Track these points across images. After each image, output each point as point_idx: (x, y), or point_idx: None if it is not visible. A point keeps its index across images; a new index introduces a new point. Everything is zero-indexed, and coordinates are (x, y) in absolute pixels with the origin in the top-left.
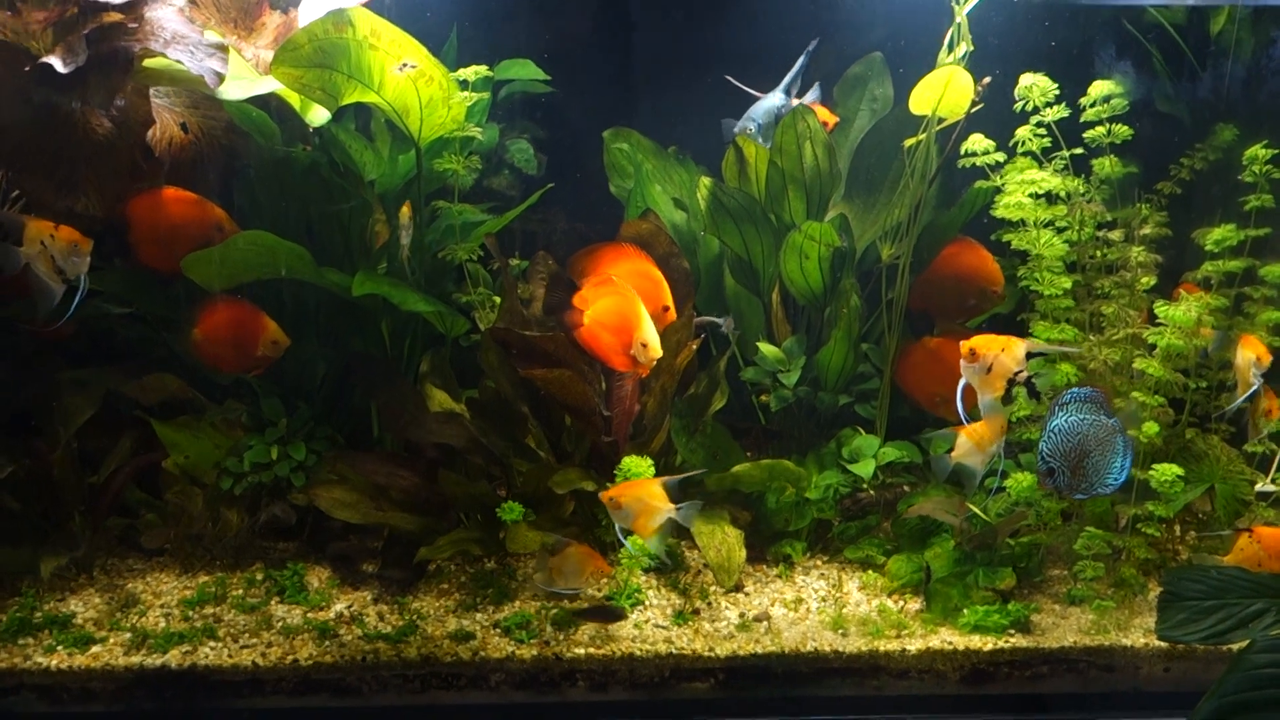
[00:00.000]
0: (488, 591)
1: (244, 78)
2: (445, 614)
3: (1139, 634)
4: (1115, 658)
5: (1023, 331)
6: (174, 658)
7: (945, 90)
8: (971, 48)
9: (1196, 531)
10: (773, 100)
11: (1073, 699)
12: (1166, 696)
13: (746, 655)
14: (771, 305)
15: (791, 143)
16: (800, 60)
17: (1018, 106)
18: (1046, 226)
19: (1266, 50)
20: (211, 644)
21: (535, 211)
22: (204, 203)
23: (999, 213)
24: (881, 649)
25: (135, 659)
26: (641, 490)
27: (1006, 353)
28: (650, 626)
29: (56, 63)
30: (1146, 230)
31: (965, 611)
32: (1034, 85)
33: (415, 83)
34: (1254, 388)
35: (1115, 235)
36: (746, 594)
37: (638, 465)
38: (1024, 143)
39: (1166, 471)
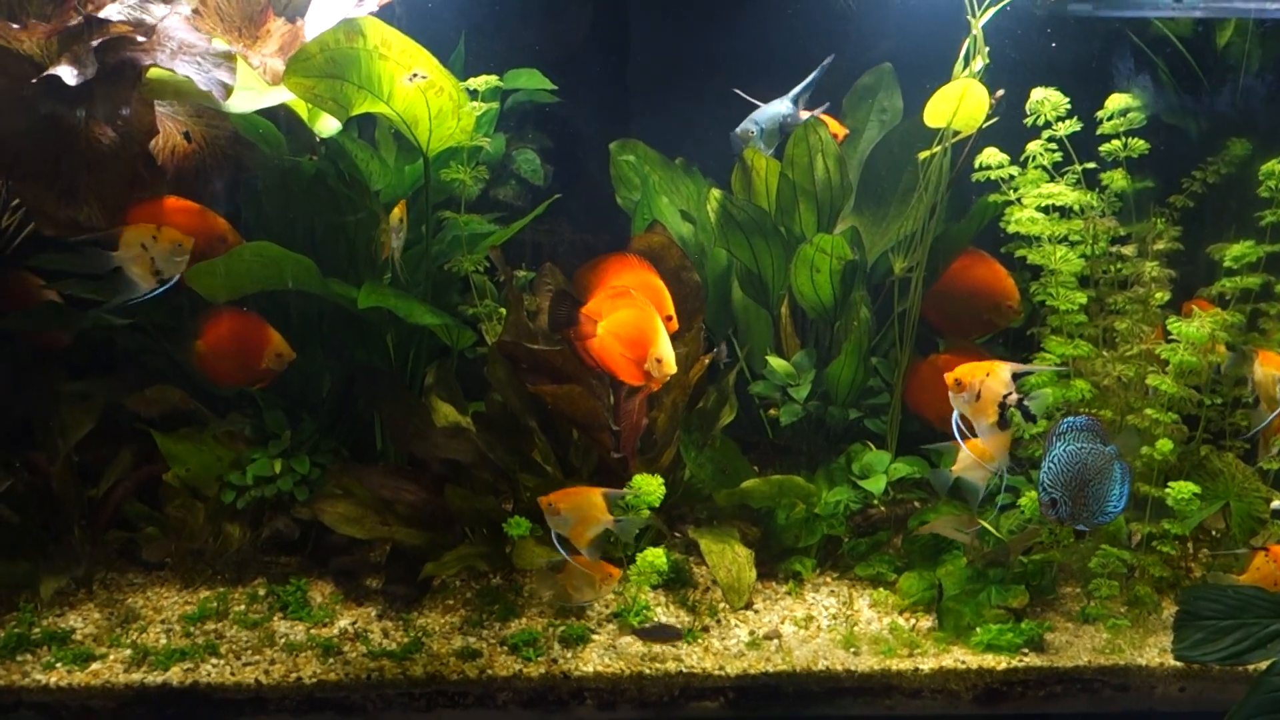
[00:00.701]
0: (494, 608)
1: (252, 88)
2: (451, 631)
3: (1154, 653)
4: (1130, 677)
5: (1034, 347)
6: (175, 675)
7: (961, 103)
8: (987, 61)
9: (1209, 549)
10: (778, 107)
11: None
12: (1182, 717)
13: (757, 674)
14: (780, 318)
15: (803, 155)
16: (814, 74)
17: (1029, 120)
18: (1061, 242)
19: (1275, 63)
20: (214, 661)
21: (542, 222)
22: (206, 213)
23: (1014, 228)
24: (894, 668)
25: (136, 676)
26: (581, 499)
27: (992, 377)
28: (659, 645)
29: (65, 74)
30: (1160, 245)
31: (978, 630)
32: (1045, 99)
33: (425, 93)
34: None
35: (1129, 250)
36: (756, 611)
37: (648, 483)
38: (1035, 157)
39: (1183, 489)
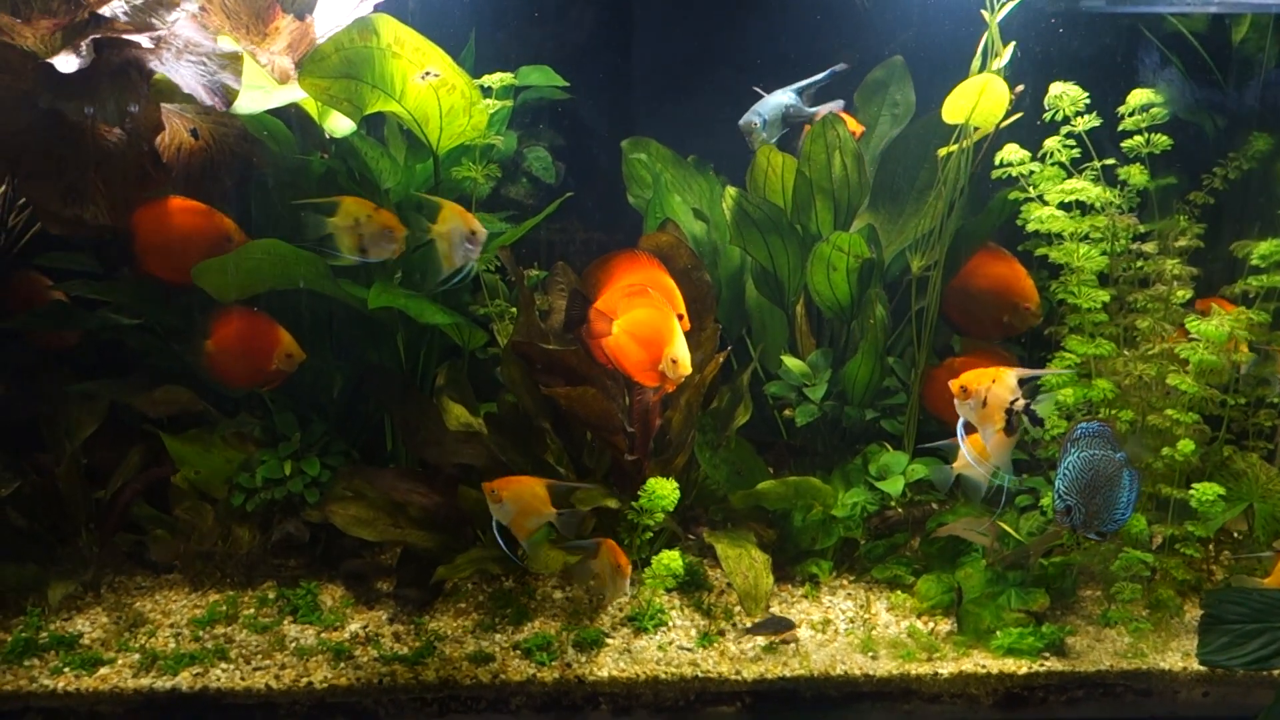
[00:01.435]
0: (507, 611)
1: (260, 87)
2: (463, 635)
3: (1176, 657)
4: (1153, 682)
5: (1052, 347)
6: (185, 680)
7: (980, 99)
8: (1006, 58)
9: (1231, 552)
10: (781, 98)
11: None
12: None
13: (774, 678)
14: (796, 318)
15: (820, 152)
16: (822, 75)
17: (1047, 116)
18: (1083, 239)
19: None
20: (223, 665)
21: (553, 221)
22: (212, 213)
23: (1034, 225)
24: (913, 672)
25: (145, 681)
26: (524, 489)
27: (998, 384)
28: (675, 648)
29: (61, 63)
30: (1181, 242)
31: (998, 634)
32: (1063, 94)
33: (437, 91)
34: None
35: (1150, 247)
36: (772, 614)
37: (662, 487)
38: (1053, 154)
39: (1207, 490)
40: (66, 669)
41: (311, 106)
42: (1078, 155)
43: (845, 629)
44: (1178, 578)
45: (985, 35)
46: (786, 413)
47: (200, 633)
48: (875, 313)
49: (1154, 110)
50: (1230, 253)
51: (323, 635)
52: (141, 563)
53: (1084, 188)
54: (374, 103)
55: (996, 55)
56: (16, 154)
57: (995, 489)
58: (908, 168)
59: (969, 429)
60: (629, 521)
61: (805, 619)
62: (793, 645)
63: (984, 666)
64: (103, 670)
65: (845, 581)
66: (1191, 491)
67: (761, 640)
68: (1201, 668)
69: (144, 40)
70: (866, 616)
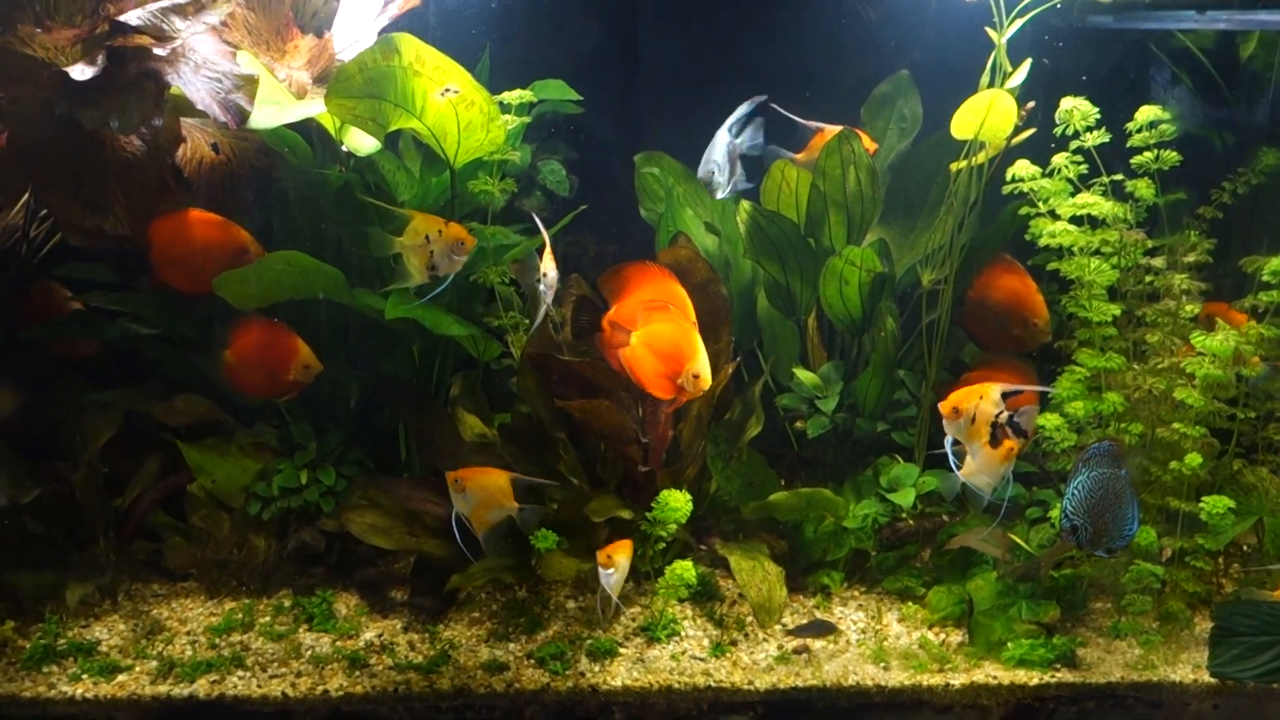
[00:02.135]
0: (520, 620)
1: (277, 103)
2: (477, 643)
3: (1187, 669)
4: (1164, 694)
5: (1062, 360)
6: (202, 687)
7: (988, 114)
8: (1020, 75)
9: (1240, 565)
10: (722, 142)
11: None
12: None
13: (786, 689)
14: (808, 330)
15: (835, 167)
16: (745, 106)
17: (1058, 130)
18: (1094, 254)
19: None
20: (240, 673)
21: (566, 234)
22: (229, 225)
23: (1046, 240)
24: (924, 683)
25: (162, 688)
26: (488, 480)
27: (985, 400)
28: (687, 658)
29: (74, 71)
30: (1190, 258)
31: (1009, 645)
32: (1075, 109)
33: (455, 107)
34: None
35: (1158, 262)
36: (784, 625)
37: (675, 499)
38: (1061, 170)
39: (1218, 503)
40: (85, 676)
41: (328, 121)
42: (1086, 171)
43: (857, 640)
44: (1188, 590)
45: (994, 52)
46: (798, 425)
47: (217, 640)
48: (886, 326)
49: (1163, 127)
50: (1239, 268)
51: (338, 643)
52: (158, 570)
53: (1096, 202)
54: (396, 120)
55: (1004, 71)
56: (38, 164)
57: (1000, 498)
58: (920, 182)
59: (958, 446)
60: (642, 533)
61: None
62: (805, 655)
63: (995, 678)
64: (120, 677)
65: (856, 592)
66: (1201, 505)
67: (774, 650)
68: (1212, 680)
69: (160, 50)
70: (878, 627)
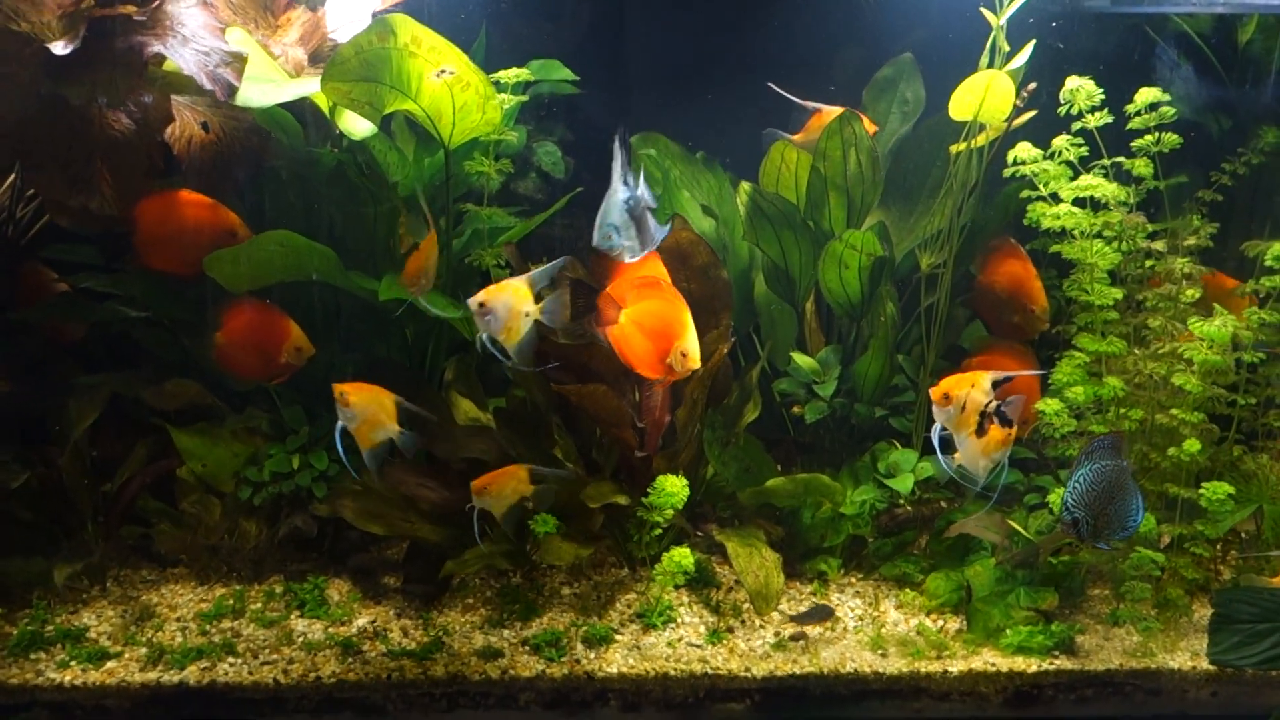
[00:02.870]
0: (515, 607)
1: (271, 80)
2: (472, 630)
3: (1185, 656)
4: (1162, 681)
5: (1060, 345)
6: (192, 674)
7: (985, 95)
8: (1023, 57)
9: (1239, 551)
10: (618, 197)
11: None
12: None
13: (783, 676)
14: (805, 314)
15: (836, 149)
16: (618, 151)
17: (1062, 110)
18: (1097, 237)
19: None
20: (231, 660)
21: (562, 216)
22: (217, 207)
23: (1049, 222)
24: (922, 670)
25: (152, 675)
26: (373, 398)
27: (976, 388)
28: (684, 645)
29: (55, 46)
30: (1190, 242)
31: (1008, 632)
32: (1080, 89)
33: (451, 88)
34: None
35: (1159, 245)
36: (781, 612)
37: (672, 484)
38: (1061, 152)
39: (1218, 489)
40: (73, 662)
41: (321, 100)
42: (1086, 154)
43: (854, 626)
44: (1187, 577)
45: (992, 34)
46: (795, 410)
47: (207, 627)
48: (886, 310)
49: (1163, 109)
50: (1240, 252)
51: (330, 630)
52: (148, 556)
53: (1099, 184)
54: (391, 103)
55: (1002, 52)
56: (23, 142)
57: (994, 484)
58: (920, 165)
59: (944, 433)
60: (638, 518)
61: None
62: (802, 643)
63: (993, 665)
64: (110, 664)
65: (854, 579)
66: (1201, 491)
67: (770, 636)
68: (1210, 667)
69: (142, 18)
70: (875, 614)
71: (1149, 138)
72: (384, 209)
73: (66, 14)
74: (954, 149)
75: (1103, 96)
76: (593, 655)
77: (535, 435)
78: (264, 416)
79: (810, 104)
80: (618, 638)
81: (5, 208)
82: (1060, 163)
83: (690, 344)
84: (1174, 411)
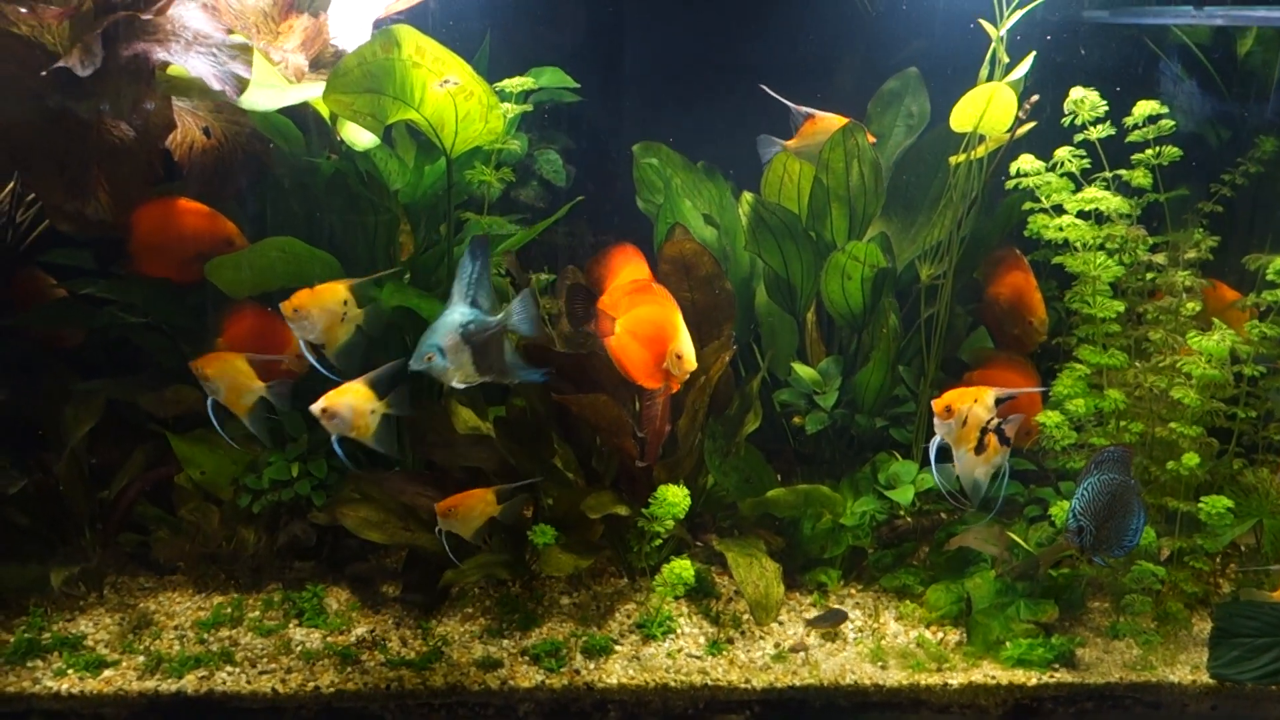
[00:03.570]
0: (514, 617)
1: (273, 86)
2: (471, 640)
3: (1185, 670)
4: (1162, 694)
5: (1061, 357)
6: (190, 683)
7: (987, 108)
8: (1024, 68)
9: (1238, 565)
10: (453, 316)
11: None
12: None
13: (783, 687)
14: (806, 325)
15: (839, 160)
16: (468, 263)
17: (1065, 120)
18: (1100, 249)
19: None
20: (229, 669)
21: (563, 224)
22: (215, 216)
23: (1052, 234)
24: (922, 682)
25: (150, 684)
26: (228, 364)
27: (979, 404)
28: (684, 656)
29: (76, 66)
30: (1190, 255)
31: (1008, 644)
32: (1084, 99)
33: (454, 98)
34: None
35: (1160, 258)
36: (781, 623)
37: (673, 494)
38: (1063, 163)
39: (1217, 503)
40: (70, 670)
41: (323, 107)
42: (1088, 165)
43: (854, 638)
44: (1186, 591)
45: (992, 46)
46: (796, 420)
47: (205, 635)
48: (888, 321)
49: (1163, 122)
50: (1241, 265)
51: (329, 639)
52: (146, 563)
53: (1104, 197)
54: (395, 113)
55: (1002, 64)
56: (22, 147)
57: (994, 496)
58: (922, 176)
59: (943, 445)
60: (639, 529)
61: (815, 628)
62: (802, 654)
63: (993, 677)
64: (107, 672)
65: (854, 590)
66: (1200, 505)
67: (771, 648)
68: (1210, 680)
69: (151, 28)
70: (875, 626)
71: (1150, 151)
72: (384, 217)
73: (71, 18)
74: (953, 160)
75: (1107, 108)
76: (592, 666)
77: (535, 445)
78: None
79: (804, 109)
80: (617, 648)
81: (5, 213)
82: (1062, 174)
83: (684, 345)
84: (1172, 425)
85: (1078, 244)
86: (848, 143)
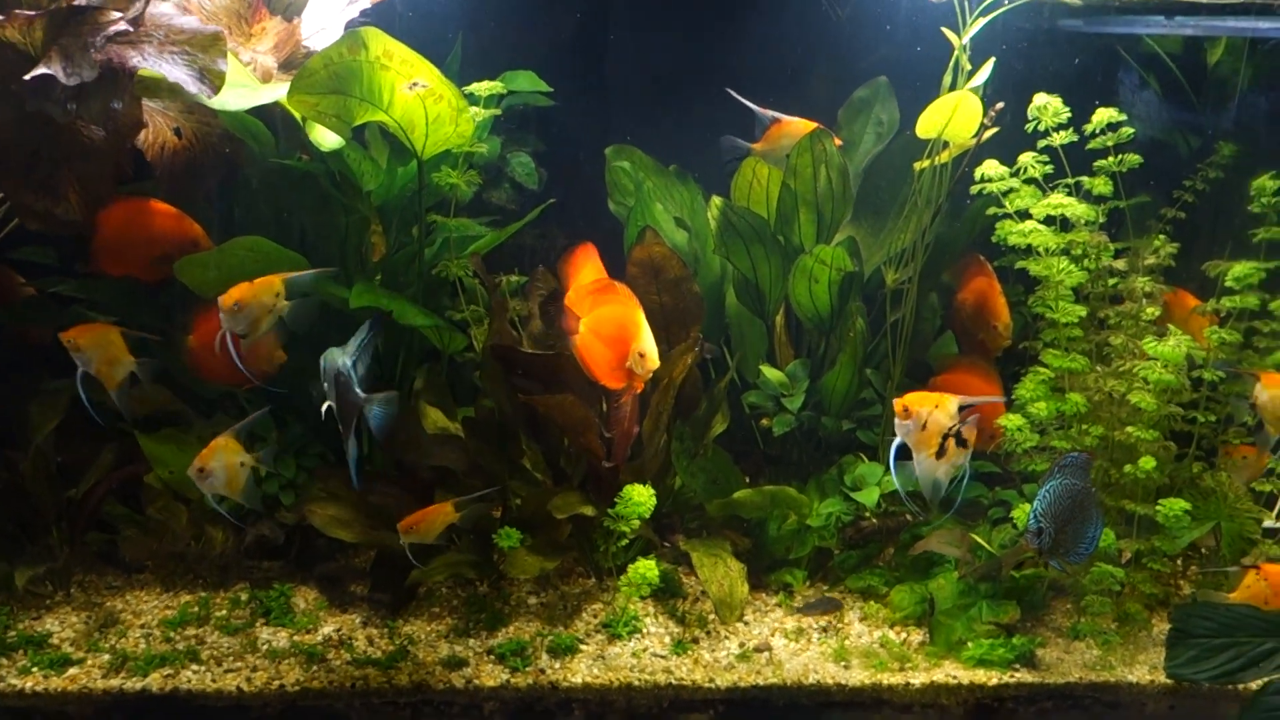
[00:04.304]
0: (481, 616)
1: (244, 85)
2: (437, 639)
3: (1144, 670)
4: (1121, 694)
5: (1026, 361)
6: (155, 681)
7: (953, 115)
8: (983, 75)
9: (1199, 567)
10: (338, 358)
11: None
12: None
13: (747, 687)
14: (775, 328)
15: (807, 166)
16: (365, 330)
17: (1029, 127)
18: (1064, 254)
19: (1266, 82)
20: (194, 667)
21: (534, 227)
22: (182, 217)
23: (1016, 239)
24: (885, 682)
25: (114, 682)
26: (101, 335)
27: (940, 409)
28: (649, 655)
29: (58, 74)
30: (1150, 260)
31: (970, 645)
32: (1046, 106)
33: (424, 100)
34: None
35: (1120, 264)
36: (746, 623)
37: (639, 494)
38: (1026, 169)
39: (1173, 506)
40: (35, 669)
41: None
42: (1051, 171)
43: (818, 638)
44: (1146, 592)
45: (954, 54)
46: (764, 422)
47: (172, 634)
48: (855, 325)
49: (1123, 130)
50: (1202, 271)
51: (295, 638)
52: (113, 562)
53: (1069, 203)
54: (361, 115)
55: (964, 72)
56: None
57: (953, 496)
58: (891, 182)
59: (900, 446)
60: (605, 529)
61: (779, 628)
62: (766, 654)
63: (955, 677)
64: (72, 670)
65: (819, 591)
66: (1158, 507)
67: (735, 648)
68: (1168, 680)
69: (126, 37)
70: (840, 626)
71: (1111, 159)
72: (355, 218)
73: (42, 19)
74: (917, 166)
75: (1069, 114)
76: (557, 665)
77: (503, 445)
78: (232, 423)
79: (770, 113)
80: (583, 648)
81: None
82: (1025, 180)
83: (646, 344)
84: (1129, 429)
85: (1041, 249)
86: (815, 148)
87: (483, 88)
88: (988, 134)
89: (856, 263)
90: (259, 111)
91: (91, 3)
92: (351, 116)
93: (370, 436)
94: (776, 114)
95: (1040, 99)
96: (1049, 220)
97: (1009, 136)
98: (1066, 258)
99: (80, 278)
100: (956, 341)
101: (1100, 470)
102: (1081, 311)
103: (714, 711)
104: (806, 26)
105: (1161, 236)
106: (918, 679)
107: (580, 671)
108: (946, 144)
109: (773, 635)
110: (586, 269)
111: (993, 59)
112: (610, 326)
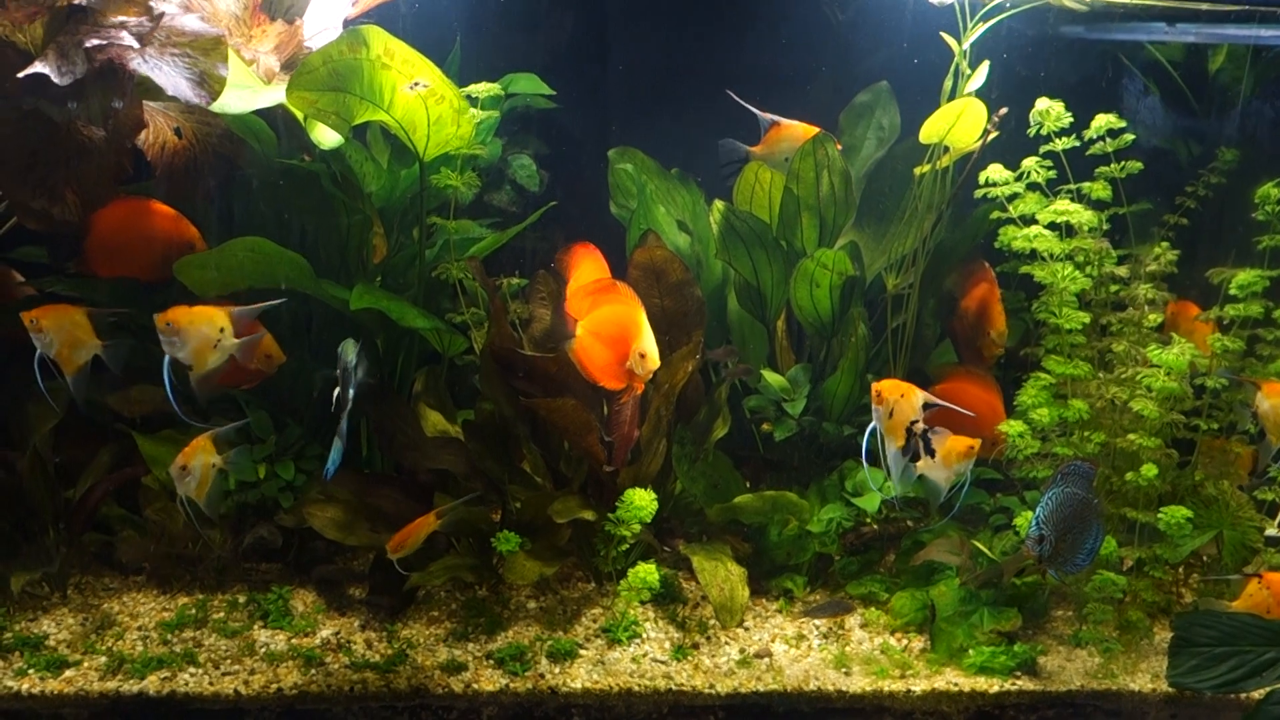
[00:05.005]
0: (480, 620)
1: (247, 87)
2: (436, 643)
3: (1146, 678)
4: (1123, 703)
5: (1028, 366)
6: (152, 684)
7: (957, 121)
8: (979, 79)
9: (1200, 575)
10: (350, 356)
11: None
12: None
13: (748, 693)
14: (776, 333)
15: (809, 170)
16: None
17: (1031, 131)
18: (1068, 259)
19: (1267, 89)
20: (191, 670)
21: (535, 229)
22: (179, 219)
23: (1021, 244)
24: (886, 689)
25: (111, 684)
26: (65, 316)
27: (905, 399)
28: (648, 661)
29: (52, 73)
30: (1152, 267)
31: (971, 652)
32: (1048, 110)
33: (425, 101)
34: None
35: (1123, 271)
36: (746, 629)
37: (640, 498)
38: (1030, 174)
39: (1175, 514)
40: (31, 670)
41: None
42: (1054, 176)
43: (819, 645)
44: (1147, 600)
45: (955, 59)
46: (765, 427)
47: (169, 636)
48: (857, 330)
49: (1124, 136)
50: (1206, 278)
51: (293, 641)
52: (110, 564)
53: (1075, 209)
54: (362, 114)
55: (966, 77)
56: None
57: (956, 495)
58: (894, 187)
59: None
60: (605, 533)
61: (779, 634)
62: (766, 660)
63: (956, 685)
64: (68, 672)
65: (820, 597)
66: (1160, 515)
67: (735, 653)
68: (1170, 689)
69: (128, 37)
70: (840, 632)
71: (1114, 165)
72: (357, 219)
73: (42, 17)
74: (917, 171)
75: (1071, 119)
76: (557, 670)
77: (503, 448)
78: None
79: (770, 116)
80: (582, 653)
81: None
82: (1028, 185)
83: (647, 344)
84: (1131, 436)
85: (1045, 255)
86: (818, 153)
87: (482, 89)
88: (988, 138)
89: (858, 268)
90: (262, 110)
91: (93, 3)
92: (351, 115)
93: (371, 440)
94: (776, 117)
95: (1042, 103)
96: (1053, 226)
97: (1010, 143)
98: (1070, 264)
99: (79, 278)
100: (955, 349)
101: (1102, 477)
102: (1085, 318)
103: (714, 718)
104: (808, 30)
105: (1164, 243)
106: (919, 686)
107: (580, 677)
108: (946, 149)
109: (773, 641)
110: (586, 266)
111: (987, 62)
112: (610, 327)
